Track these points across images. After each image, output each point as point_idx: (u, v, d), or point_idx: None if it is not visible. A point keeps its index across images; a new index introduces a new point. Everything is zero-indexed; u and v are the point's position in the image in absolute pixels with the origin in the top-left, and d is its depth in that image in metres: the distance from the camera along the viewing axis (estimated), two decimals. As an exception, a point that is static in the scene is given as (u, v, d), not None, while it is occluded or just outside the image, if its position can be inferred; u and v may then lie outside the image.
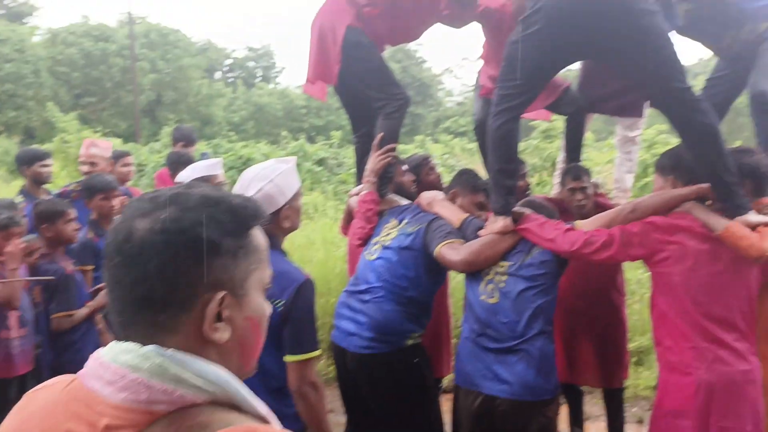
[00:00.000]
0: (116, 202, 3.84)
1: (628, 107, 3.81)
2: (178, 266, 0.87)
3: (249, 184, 2.32)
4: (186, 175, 3.51)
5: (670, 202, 2.64)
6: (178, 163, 4.55)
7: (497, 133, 2.81)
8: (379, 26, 3.51)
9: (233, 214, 0.93)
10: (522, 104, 2.82)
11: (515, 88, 2.76)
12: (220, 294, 0.89)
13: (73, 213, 3.47)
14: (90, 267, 3.70)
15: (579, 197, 3.52)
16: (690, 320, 2.49)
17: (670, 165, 2.76)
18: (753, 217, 2.53)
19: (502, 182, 2.84)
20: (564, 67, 3.08)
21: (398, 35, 3.73)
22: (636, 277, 5.50)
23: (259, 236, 0.99)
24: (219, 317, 0.90)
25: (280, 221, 2.37)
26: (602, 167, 8.86)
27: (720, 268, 2.49)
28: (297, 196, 2.42)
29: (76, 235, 3.53)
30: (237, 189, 2.35)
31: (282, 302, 2.19)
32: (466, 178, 3.20)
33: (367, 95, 3.45)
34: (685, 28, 3.48)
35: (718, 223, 2.49)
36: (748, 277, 2.54)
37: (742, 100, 3.67)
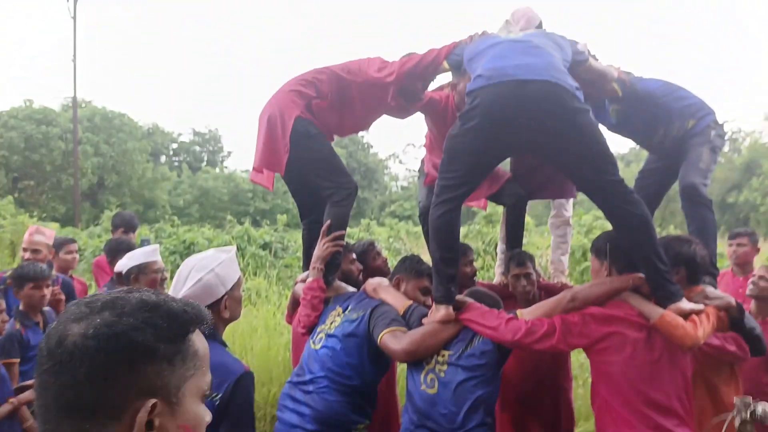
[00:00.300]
0: (47, 292, 3.69)
1: (561, 190, 4.00)
2: (108, 372, 0.84)
3: (188, 275, 2.28)
4: (123, 263, 3.42)
5: (608, 292, 2.72)
6: (116, 250, 4.43)
7: (438, 223, 2.86)
8: (328, 117, 3.61)
9: (171, 318, 0.92)
10: (462, 195, 2.89)
11: (455, 179, 2.84)
12: (151, 401, 0.86)
13: (1, 303, 3.30)
14: (15, 360, 3.50)
15: (523, 283, 3.56)
16: (632, 408, 2.52)
17: (605, 250, 2.84)
18: (685, 305, 2.62)
19: (444, 271, 2.86)
20: (501, 160, 3.19)
21: (347, 126, 3.85)
22: (579, 361, 5.53)
23: (198, 341, 0.97)
24: (150, 426, 0.86)
25: (220, 312, 2.32)
26: (543, 251, 9.05)
27: (657, 355, 2.56)
28: (237, 285, 2.39)
29: (4, 327, 3.35)
30: (176, 279, 2.31)
31: (219, 396, 2.11)
32: (409, 263, 3.21)
33: (316, 183, 3.49)
34: (617, 126, 3.69)
35: (654, 311, 2.57)
36: (683, 363, 2.61)
37: (674, 187, 3.87)
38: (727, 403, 2.91)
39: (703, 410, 2.90)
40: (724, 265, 6.63)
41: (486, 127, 2.73)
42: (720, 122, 3.64)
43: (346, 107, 3.65)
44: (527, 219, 4.71)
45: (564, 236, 4.22)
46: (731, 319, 2.80)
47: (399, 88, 3.59)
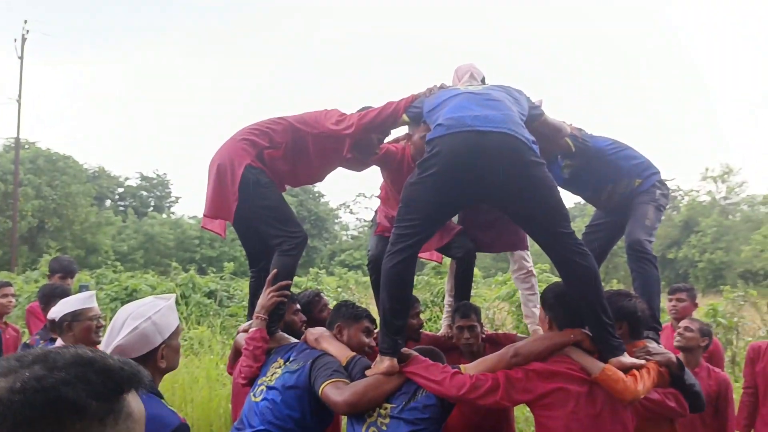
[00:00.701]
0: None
1: (514, 242, 4.06)
2: (34, 428, 0.79)
3: (124, 322, 2.20)
4: (57, 310, 3.26)
5: (550, 347, 2.74)
6: (50, 296, 4.26)
7: (391, 273, 2.85)
8: (281, 167, 3.59)
9: (106, 375, 0.88)
10: (417, 244, 2.88)
11: (411, 228, 2.84)
12: None
13: None
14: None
15: (467, 335, 3.56)
16: None
17: (549, 303, 2.87)
18: (626, 359, 2.67)
19: (393, 322, 2.84)
20: (458, 210, 3.22)
21: (301, 177, 3.84)
22: (524, 415, 5.51)
23: (134, 403, 0.92)
24: None
25: (157, 361, 2.24)
26: (490, 303, 9.10)
27: (599, 409, 2.58)
28: (176, 334, 2.31)
29: None
30: (110, 327, 2.22)
31: None
32: (345, 310, 3.18)
33: (265, 232, 3.45)
34: (567, 182, 3.79)
35: (595, 366, 2.62)
36: (625, 417, 2.64)
37: (618, 242, 3.97)
38: None
39: None
40: (665, 319, 6.78)
41: (445, 175, 2.76)
42: (664, 182, 3.79)
43: (300, 158, 3.64)
44: (475, 271, 4.72)
45: (531, 288, 4.24)
46: (672, 375, 2.84)
47: (354, 141, 3.61)
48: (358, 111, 3.61)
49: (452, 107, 2.94)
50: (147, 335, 2.19)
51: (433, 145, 2.81)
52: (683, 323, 3.92)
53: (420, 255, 4.18)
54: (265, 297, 3.20)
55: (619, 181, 3.76)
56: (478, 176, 2.75)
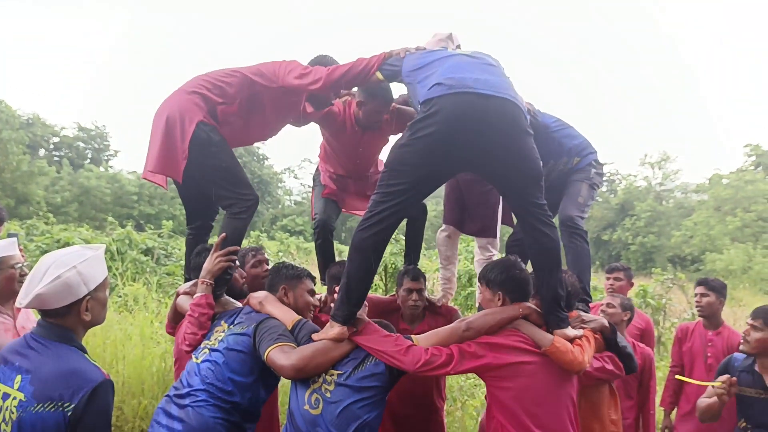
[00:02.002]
0: None
1: (485, 229, 4.11)
2: None
3: (47, 270, 2.09)
4: (-23, 258, 3.05)
5: (501, 321, 2.75)
6: (-26, 242, 4.00)
7: (367, 242, 2.71)
8: (233, 124, 3.40)
9: None
10: (398, 213, 2.72)
11: (395, 195, 2.68)
12: None
13: None
14: None
15: (414, 297, 3.59)
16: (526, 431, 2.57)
17: (498, 280, 2.86)
18: (570, 331, 2.73)
19: (355, 291, 2.74)
20: (447, 177, 3.11)
21: (252, 134, 3.65)
22: (458, 383, 5.59)
23: None
24: None
25: (80, 313, 2.14)
26: (430, 274, 9.17)
27: (548, 380, 2.63)
28: (102, 286, 2.21)
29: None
30: (31, 275, 2.10)
31: (71, 406, 1.93)
32: (286, 271, 3.05)
33: (215, 193, 3.30)
34: None
35: (545, 339, 2.67)
36: (571, 386, 2.71)
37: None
38: (609, 421, 3.11)
39: (588, 429, 3.04)
40: (599, 297, 6.94)
41: (443, 136, 2.62)
42: (600, 162, 3.86)
43: (254, 114, 3.46)
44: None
45: None
46: (606, 340, 2.95)
47: (310, 95, 3.48)
48: (312, 61, 3.48)
49: (450, 67, 2.80)
50: (70, 285, 2.09)
51: (432, 104, 2.65)
52: (605, 300, 4.06)
53: (353, 211, 4.14)
54: (212, 261, 3.05)
55: (560, 158, 3.82)
56: (474, 140, 2.63)
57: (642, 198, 42.07)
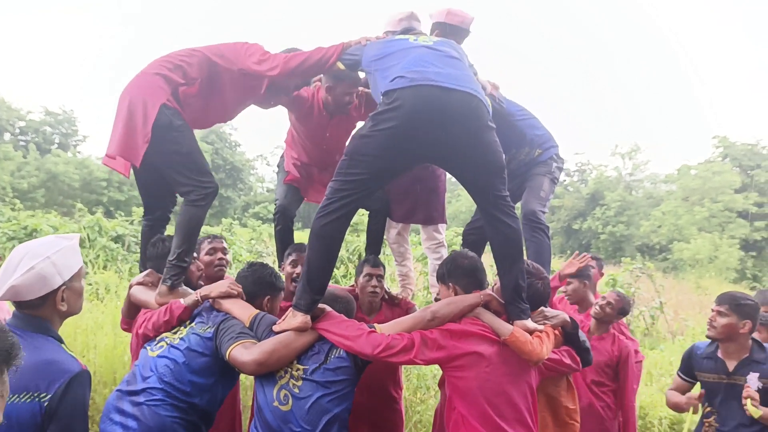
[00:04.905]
0: None
1: (434, 216, 4.12)
2: None
3: (20, 261, 2.06)
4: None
5: (464, 309, 2.79)
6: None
7: (325, 230, 2.72)
8: (193, 105, 3.38)
9: None
10: (355, 201, 2.75)
11: (353, 183, 2.71)
12: None
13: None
14: None
15: (374, 284, 3.62)
16: (486, 421, 2.60)
17: (447, 273, 2.92)
18: (530, 324, 2.77)
19: (317, 280, 2.75)
20: (405, 169, 3.12)
21: (212, 116, 3.62)
22: (432, 372, 5.64)
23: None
24: None
25: (56, 304, 2.11)
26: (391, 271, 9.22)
27: (508, 369, 2.67)
28: (78, 276, 2.19)
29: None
30: (5, 266, 2.07)
31: (47, 397, 1.91)
32: (273, 281, 3.05)
33: (174, 179, 3.25)
34: None
35: (504, 328, 2.71)
36: (530, 377, 2.75)
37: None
38: (565, 414, 3.13)
39: (545, 421, 3.09)
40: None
41: (403, 129, 2.64)
42: (561, 156, 3.94)
43: (214, 95, 3.45)
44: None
45: (441, 258, 4.26)
46: (566, 334, 2.99)
47: (271, 82, 3.47)
48: (284, 51, 3.46)
49: (412, 60, 2.81)
50: (45, 276, 2.06)
51: (394, 97, 2.66)
52: (608, 296, 4.04)
53: (310, 199, 4.13)
54: (220, 287, 2.93)
55: (521, 148, 3.87)
56: (435, 134, 2.65)
57: (612, 188, 42.62)
